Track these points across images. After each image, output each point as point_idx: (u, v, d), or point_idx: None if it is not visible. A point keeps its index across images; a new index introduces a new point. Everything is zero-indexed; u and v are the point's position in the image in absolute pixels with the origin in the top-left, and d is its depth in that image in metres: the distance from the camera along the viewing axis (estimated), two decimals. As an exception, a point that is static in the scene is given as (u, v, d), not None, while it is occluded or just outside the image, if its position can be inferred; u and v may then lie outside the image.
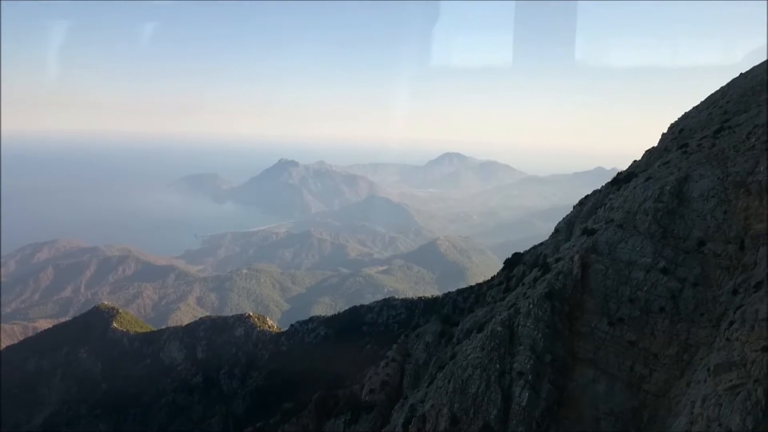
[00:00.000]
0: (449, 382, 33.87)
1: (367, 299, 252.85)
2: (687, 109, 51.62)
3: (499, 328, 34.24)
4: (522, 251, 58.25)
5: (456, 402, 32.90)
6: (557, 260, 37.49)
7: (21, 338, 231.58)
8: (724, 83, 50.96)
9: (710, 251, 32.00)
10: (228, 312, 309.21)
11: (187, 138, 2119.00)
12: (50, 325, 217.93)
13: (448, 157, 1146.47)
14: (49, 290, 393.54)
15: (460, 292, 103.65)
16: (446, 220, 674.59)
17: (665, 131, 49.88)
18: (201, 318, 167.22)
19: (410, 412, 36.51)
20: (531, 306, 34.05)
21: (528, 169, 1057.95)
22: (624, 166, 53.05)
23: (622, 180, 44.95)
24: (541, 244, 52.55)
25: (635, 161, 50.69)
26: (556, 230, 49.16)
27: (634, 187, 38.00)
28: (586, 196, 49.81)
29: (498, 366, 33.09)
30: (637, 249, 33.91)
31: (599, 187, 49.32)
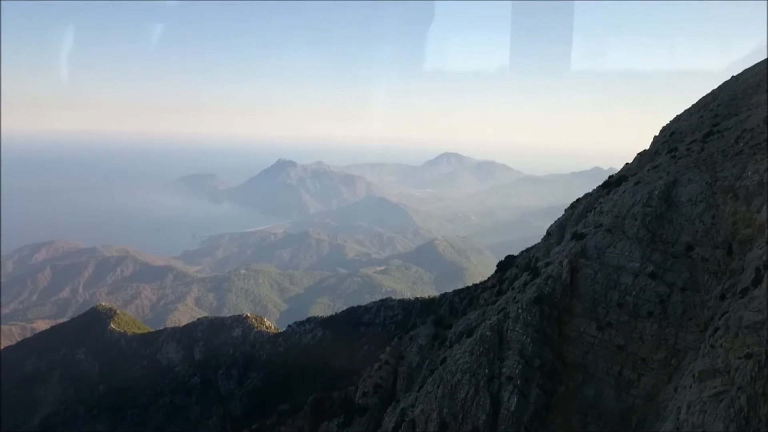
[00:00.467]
0: (438, 387, 34.00)
1: (365, 299, 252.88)
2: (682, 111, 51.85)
3: (488, 333, 34.38)
4: (518, 252, 58.42)
5: (445, 407, 33.02)
6: (546, 264, 37.61)
7: (19, 339, 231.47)
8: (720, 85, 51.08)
9: (698, 256, 32.12)
10: (226, 312, 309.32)
11: (184, 138, 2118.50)
12: (48, 326, 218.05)
13: (446, 157, 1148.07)
14: (47, 291, 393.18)
15: (456, 292, 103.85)
16: (444, 220, 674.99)
17: (657, 134, 50.03)
18: (198, 319, 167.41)
19: (400, 417, 36.65)
20: (520, 311, 34.17)
21: (525, 169, 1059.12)
22: (621, 165, 53.10)
23: (613, 183, 45.06)
24: (534, 246, 52.66)
25: (627, 164, 50.82)
26: (548, 233, 49.25)
27: (624, 192, 38.12)
28: (578, 199, 49.94)
29: (487, 371, 33.21)
30: (626, 254, 34.03)
31: (591, 190, 49.41)
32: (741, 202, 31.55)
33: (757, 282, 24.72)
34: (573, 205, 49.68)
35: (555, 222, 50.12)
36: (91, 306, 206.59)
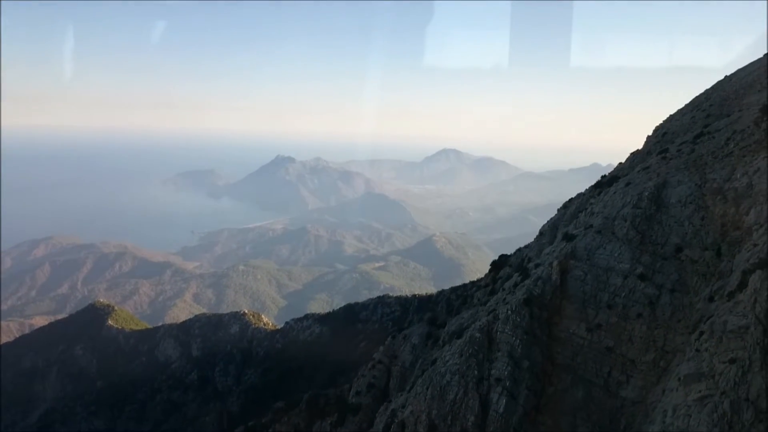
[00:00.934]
0: (428, 388, 34.06)
1: (364, 296, 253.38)
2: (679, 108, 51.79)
3: (477, 335, 34.45)
4: (516, 248, 58.40)
5: (434, 408, 33.09)
6: (536, 266, 37.69)
7: (17, 335, 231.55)
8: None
9: (687, 258, 32.23)
10: (225, 309, 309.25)
11: (183, 134, 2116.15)
12: (47, 322, 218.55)
13: (445, 154, 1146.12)
14: (46, 287, 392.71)
15: (453, 290, 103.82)
16: (442, 216, 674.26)
17: (650, 133, 50.08)
18: (196, 315, 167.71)
19: (391, 417, 36.73)
20: (509, 312, 34.23)
21: (524, 165, 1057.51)
22: (620, 162, 53.07)
23: (605, 184, 45.17)
24: (527, 246, 52.72)
25: (620, 164, 50.89)
26: (541, 233, 49.31)
27: (614, 193, 38.22)
28: (570, 199, 50.03)
29: (476, 372, 33.27)
30: (616, 255, 34.16)
31: (584, 190, 49.47)
32: (730, 204, 31.68)
33: (742, 286, 24.82)
34: (565, 205, 49.75)
35: (548, 222, 50.21)
36: (90, 302, 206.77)
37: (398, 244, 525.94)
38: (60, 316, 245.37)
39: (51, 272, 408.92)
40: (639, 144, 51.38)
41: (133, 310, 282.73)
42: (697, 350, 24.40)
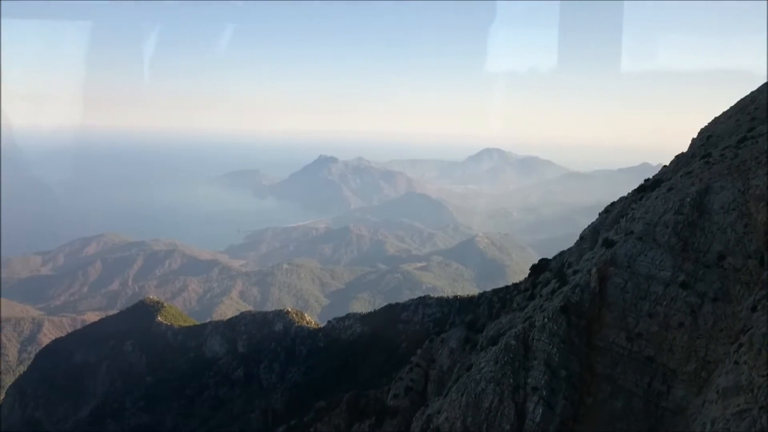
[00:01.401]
0: (463, 395, 34.16)
1: (405, 296, 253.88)
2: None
3: (512, 342, 34.33)
4: (561, 251, 57.77)
5: (469, 416, 33.16)
6: (575, 272, 37.36)
7: (69, 330, 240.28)
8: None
9: (730, 266, 31.50)
10: (269, 306, 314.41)
11: (230, 134, 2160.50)
12: (98, 318, 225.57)
13: (488, 153, 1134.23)
14: (98, 283, 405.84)
15: (495, 292, 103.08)
16: (485, 217, 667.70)
17: (695, 136, 48.96)
18: (242, 313, 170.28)
19: (426, 423, 36.99)
20: (546, 320, 34.01)
21: (571, 164, 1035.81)
22: (671, 161, 51.79)
23: (648, 188, 44.38)
24: (568, 250, 52.14)
25: (664, 167, 49.91)
26: (581, 237, 48.66)
27: (656, 198, 37.55)
28: (612, 203, 49.20)
29: (512, 380, 33.16)
30: (657, 262, 33.57)
31: (626, 194, 48.68)
32: (774, 211, 30.82)
33: (785, 297, 24.25)
34: (607, 209, 48.98)
35: (588, 226, 49.54)
36: (140, 298, 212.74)
37: (440, 244, 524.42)
38: (111, 312, 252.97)
39: (103, 269, 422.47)
40: (689, 143, 50.11)
41: (182, 307, 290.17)
42: (736, 362, 23.96)
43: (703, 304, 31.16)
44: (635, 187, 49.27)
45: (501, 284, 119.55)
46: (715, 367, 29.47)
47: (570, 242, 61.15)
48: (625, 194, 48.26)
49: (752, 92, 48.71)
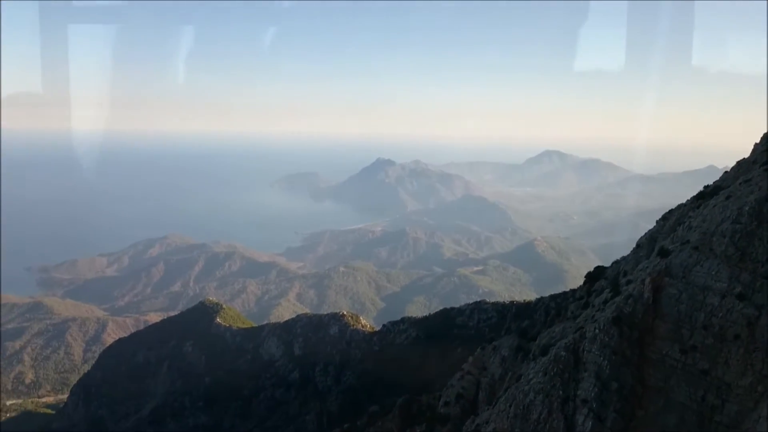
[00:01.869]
0: (511, 406, 34.04)
1: (462, 300, 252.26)
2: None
3: (563, 353, 33.96)
4: (620, 257, 56.59)
5: (517, 427, 33.02)
6: (628, 282, 36.70)
7: (132, 331, 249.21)
8: None
9: (790, 277, 30.39)
10: (326, 309, 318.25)
11: (287, 138, 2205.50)
12: (159, 319, 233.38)
13: (548, 155, 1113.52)
14: (160, 284, 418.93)
15: (553, 297, 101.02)
16: (544, 220, 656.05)
17: (758, 141, 46.99)
18: (298, 315, 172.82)
19: (475, 432, 37.14)
20: (597, 331, 33.48)
21: (633, 167, 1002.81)
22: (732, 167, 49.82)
23: (707, 195, 43.07)
24: (624, 258, 51.05)
25: (726, 172, 48.21)
26: (638, 245, 47.58)
27: (714, 206, 36.45)
28: (670, 211, 47.85)
29: (561, 392, 32.81)
30: (713, 273, 32.61)
31: (685, 201, 47.34)
32: (838, 221, 29.56)
33: None
34: (665, 217, 47.69)
35: (646, 233, 48.42)
36: (200, 300, 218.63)
37: (498, 248, 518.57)
38: (172, 313, 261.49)
39: (165, 270, 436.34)
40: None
41: (240, 308, 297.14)
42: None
43: (761, 316, 30.13)
44: (699, 190, 47.74)
45: (560, 289, 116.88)
46: (774, 382, 28.51)
47: (632, 247, 59.69)
48: (681, 203, 46.91)
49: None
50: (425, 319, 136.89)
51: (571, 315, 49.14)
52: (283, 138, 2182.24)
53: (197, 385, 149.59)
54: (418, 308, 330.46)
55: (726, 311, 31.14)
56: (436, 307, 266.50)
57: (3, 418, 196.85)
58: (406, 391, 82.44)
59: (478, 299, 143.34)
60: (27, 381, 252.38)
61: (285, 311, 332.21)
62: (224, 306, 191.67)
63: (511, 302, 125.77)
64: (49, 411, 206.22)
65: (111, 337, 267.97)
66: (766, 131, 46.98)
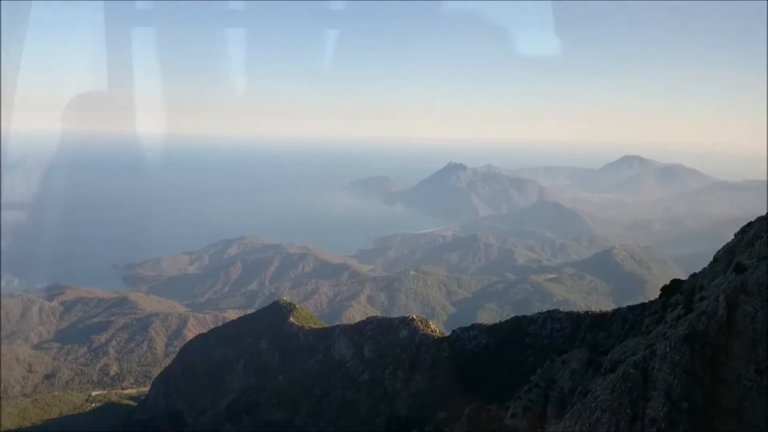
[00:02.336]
0: (576, 422, 33.93)
1: (535, 308, 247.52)
2: None
3: (631, 371, 33.50)
4: (694, 272, 54.96)
5: (584, 443, 33.03)
6: (701, 298, 35.85)
7: (211, 327, 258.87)
8: None
9: None
10: (396, 312, 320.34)
11: (361, 142, 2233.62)
12: (236, 316, 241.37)
13: (627, 160, 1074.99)
14: (238, 283, 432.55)
15: (630, 309, 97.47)
16: (623, 228, 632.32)
17: None
18: (369, 317, 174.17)
19: (541, 446, 37.14)
20: (668, 349, 32.84)
21: (718, 173, 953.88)
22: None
23: (792, 210, 41.43)
24: (701, 272, 49.54)
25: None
26: (715, 259, 46.06)
27: (795, 222, 35.23)
28: (749, 223, 46.00)
29: (629, 410, 32.32)
30: (792, 292, 31.60)
31: (765, 213, 45.48)
32: None
33: None
34: (743, 230, 45.92)
35: (723, 247, 46.82)
36: (274, 299, 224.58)
37: (573, 256, 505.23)
38: (249, 311, 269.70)
39: (242, 270, 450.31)
40: None
41: (312, 309, 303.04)
42: None
43: (844, 339, 29.01)
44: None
45: (640, 300, 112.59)
46: None
47: (715, 259, 57.46)
48: (761, 216, 45.11)
49: None
50: (496, 326, 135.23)
51: (645, 329, 48.21)
52: (356, 142, 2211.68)
53: (271, 382, 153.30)
54: (490, 315, 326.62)
55: (806, 332, 30.08)
56: (508, 314, 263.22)
57: (88, 408, 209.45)
58: (475, 399, 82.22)
59: (552, 308, 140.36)
60: (111, 373, 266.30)
61: (356, 313, 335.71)
62: (297, 306, 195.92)
63: (587, 312, 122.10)
64: (131, 402, 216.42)
65: (191, 332, 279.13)
66: None
